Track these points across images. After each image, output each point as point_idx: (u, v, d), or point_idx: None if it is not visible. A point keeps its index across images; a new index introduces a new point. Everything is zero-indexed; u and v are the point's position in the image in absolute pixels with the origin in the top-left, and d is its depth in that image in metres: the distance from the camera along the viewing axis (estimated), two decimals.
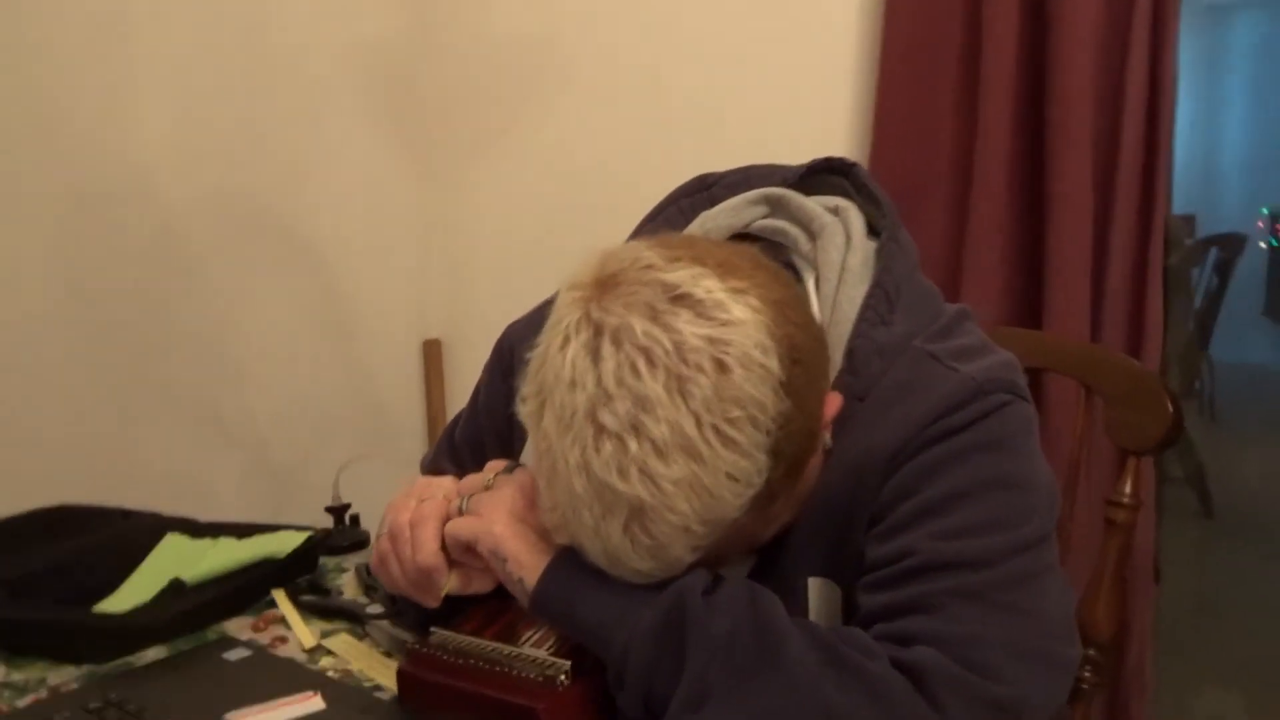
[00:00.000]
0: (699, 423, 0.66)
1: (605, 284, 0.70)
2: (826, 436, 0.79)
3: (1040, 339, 1.39)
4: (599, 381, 0.67)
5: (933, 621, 0.73)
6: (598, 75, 1.93)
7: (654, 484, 0.67)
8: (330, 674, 0.93)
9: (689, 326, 0.67)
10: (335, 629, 1.02)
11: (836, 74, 1.80)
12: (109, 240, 1.63)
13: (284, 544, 1.14)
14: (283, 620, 1.04)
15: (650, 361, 0.67)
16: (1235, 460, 4.37)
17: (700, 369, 0.66)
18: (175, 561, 1.12)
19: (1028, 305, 1.62)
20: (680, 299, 0.68)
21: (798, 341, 0.71)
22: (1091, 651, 1.15)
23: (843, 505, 0.80)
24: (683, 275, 0.69)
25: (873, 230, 0.87)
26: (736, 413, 0.67)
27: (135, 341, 1.68)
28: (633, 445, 0.66)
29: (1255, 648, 2.79)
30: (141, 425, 1.70)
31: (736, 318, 0.68)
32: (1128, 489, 1.15)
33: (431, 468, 1.05)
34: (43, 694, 0.91)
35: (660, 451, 0.66)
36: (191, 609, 1.04)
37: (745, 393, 0.67)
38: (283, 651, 0.98)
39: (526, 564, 0.77)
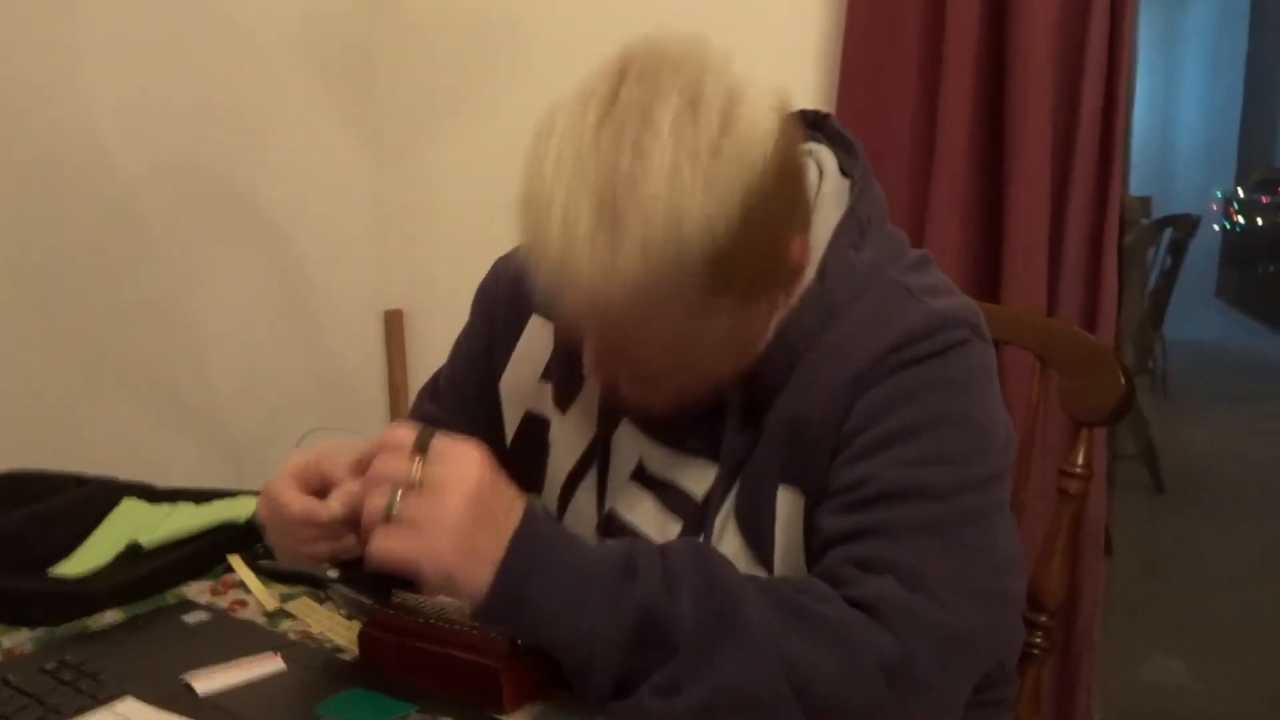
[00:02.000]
0: (696, 141, 0.71)
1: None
2: (784, 302, 0.83)
3: (998, 312, 1.40)
4: (611, 103, 0.72)
5: (890, 548, 0.76)
6: (555, 47, 1.93)
7: (635, 175, 0.70)
8: (291, 636, 0.93)
9: (711, 83, 0.73)
10: (295, 593, 1.02)
11: (799, 53, 1.80)
12: (62, 211, 1.60)
13: (243, 509, 1.14)
14: (242, 584, 1.04)
15: (676, 69, 0.73)
16: (1186, 435, 4.46)
17: (715, 94, 0.73)
18: (132, 526, 1.11)
19: (987, 279, 1.65)
20: (709, 73, 0.74)
21: (794, 155, 0.78)
22: (1043, 618, 1.17)
23: (811, 421, 0.83)
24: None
25: (845, 175, 0.90)
26: (727, 154, 0.71)
27: (90, 314, 1.66)
28: (627, 155, 0.70)
29: (1200, 614, 2.87)
30: (98, 398, 1.68)
31: (753, 97, 0.75)
32: (1080, 459, 1.18)
33: (415, 411, 1.08)
34: None
35: (646, 166, 0.70)
36: (149, 573, 1.03)
37: (742, 141, 0.72)
38: (242, 615, 0.98)
39: (476, 584, 0.72)
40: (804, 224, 0.84)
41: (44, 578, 1.03)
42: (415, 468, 0.72)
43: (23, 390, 1.57)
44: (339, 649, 0.90)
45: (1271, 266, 7.20)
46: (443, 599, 0.85)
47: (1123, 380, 1.15)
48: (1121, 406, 1.16)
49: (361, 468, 0.77)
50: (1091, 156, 1.58)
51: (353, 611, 0.97)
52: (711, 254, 0.72)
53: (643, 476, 0.92)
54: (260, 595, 1.01)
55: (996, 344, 1.21)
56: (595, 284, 0.72)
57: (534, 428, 0.99)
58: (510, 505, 0.74)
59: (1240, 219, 7.29)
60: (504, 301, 1.00)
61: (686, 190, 0.70)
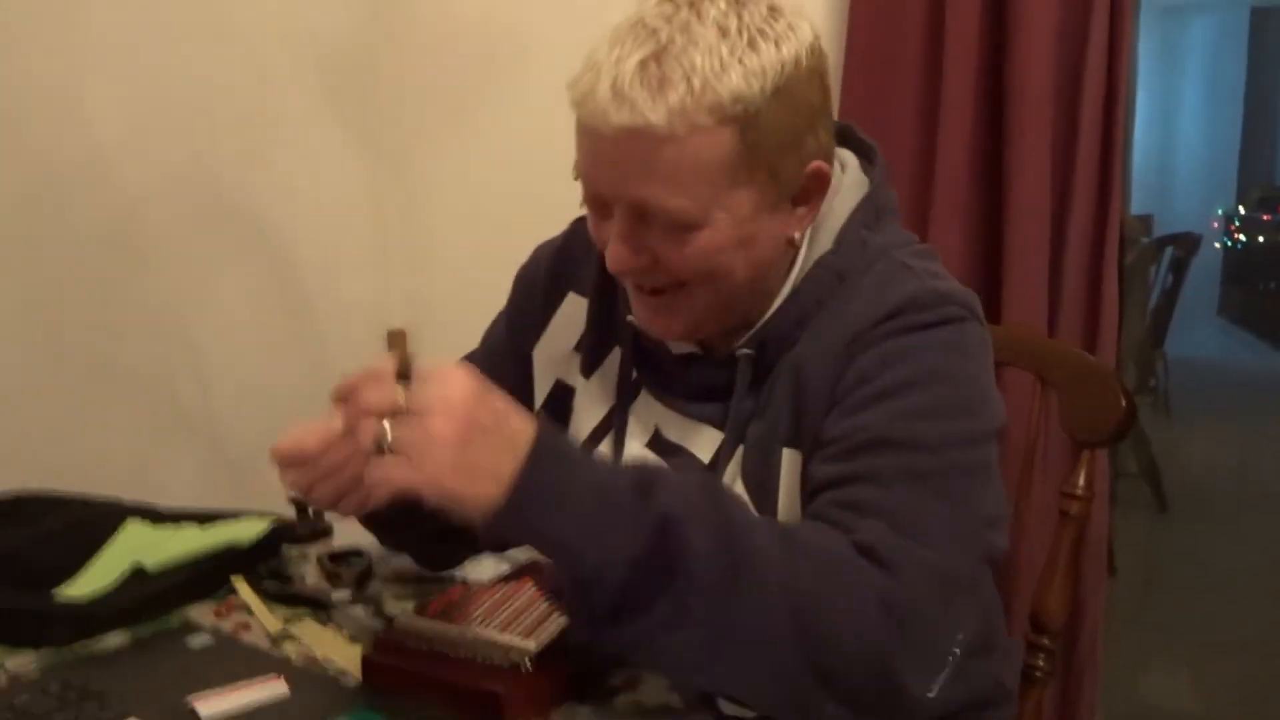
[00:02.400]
0: (741, 20, 0.81)
1: None
2: (795, 234, 0.88)
3: (998, 332, 1.40)
4: None
5: (878, 493, 0.78)
6: (557, 61, 1.91)
7: (686, 34, 0.80)
8: (294, 660, 0.93)
9: None
10: (298, 615, 1.02)
11: None
12: (64, 226, 1.61)
13: (246, 531, 1.14)
14: (246, 607, 1.04)
15: None
16: (1189, 453, 4.46)
17: (758, 7, 0.82)
18: (137, 548, 1.11)
19: (987, 299, 1.65)
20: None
21: (823, 70, 0.86)
22: (1045, 640, 1.17)
23: (811, 381, 0.86)
24: None
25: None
26: (770, 33, 0.81)
27: (92, 329, 1.66)
28: (685, 10, 0.81)
29: (1204, 632, 2.86)
30: (99, 413, 1.68)
31: (799, 9, 0.85)
32: (1081, 481, 1.18)
33: None
34: (1, 680, 0.90)
35: (702, 20, 0.80)
36: (153, 595, 1.03)
37: (783, 32, 0.82)
38: (246, 638, 0.98)
39: (482, 498, 0.71)
40: (827, 151, 0.89)
41: (48, 599, 1.03)
42: (400, 394, 0.72)
43: (23, 402, 1.58)
44: (342, 672, 0.91)
45: (1273, 284, 7.20)
46: (443, 624, 0.85)
47: (1123, 401, 1.15)
48: (1122, 427, 1.16)
49: (344, 399, 0.75)
50: (1091, 176, 1.59)
51: (357, 635, 0.97)
52: (744, 112, 0.80)
53: (658, 443, 0.96)
54: (263, 618, 1.01)
55: (997, 365, 1.21)
56: (639, 103, 0.78)
57: (562, 395, 1.03)
58: (507, 415, 0.72)
59: (1241, 237, 7.29)
60: (544, 277, 1.05)
61: (731, 51, 0.80)
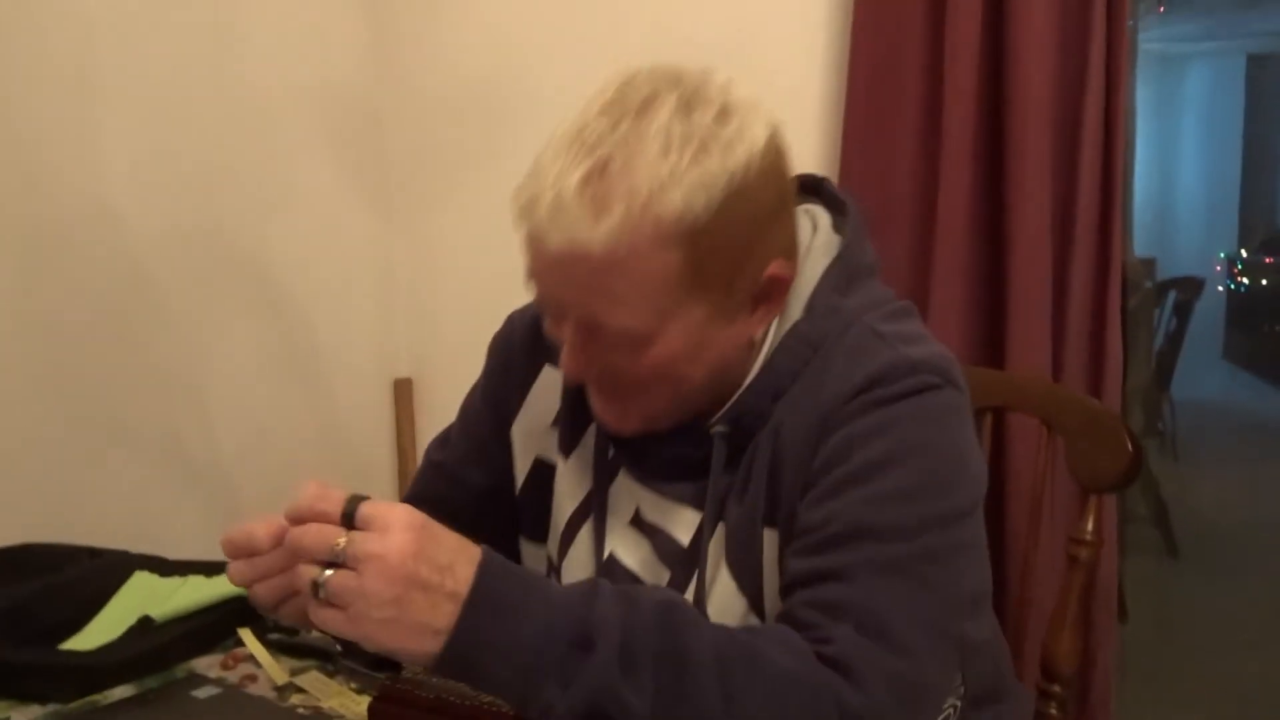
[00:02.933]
0: (688, 131, 0.78)
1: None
2: (755, 333, 0.86)
3: (1002, 378, 1.42)
4: (626, 85, 0.81)
5: (848, 591, 0.76)
6: (561, 115, 1.96)
7: (627, 149, 0.77)
8: (301, 711, 0.93)
9: (716, 86, 0.82)
10: (305, 666, 1.02)
11: (801, 120, 1.83)
12: (73, 276, 1.62)
13: None
14: (252, 658, 1.04)
15: (675, 82, 0.81)
16: (1197, 496, 4.43)
17: (710, 103, 0.80)
18: (144, 599, 1.11)
19: (991, 345, 1.65)
20: (717, 81, 0.83)
21: (780, 171, 0.84)
22: (1056, 687, 1.16)
23: (786, 463, 0.84)
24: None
25: (838, 234, 0.93)
26: (718, 142, 0.78)
27: (100, 379, 1.67)
28: (628, 121, 0.78)
29: (1217, 678, 2.82)
30: (106, 463, 1.68)
31: (754, 105, 0.82)
32: (1089, 527, 1.17)
33: (424, 463, 1.10)
34: None
35: (645, 132, 0.77)
36: (159, 646, 1.03)
37: (732, 137, 0.79)
38: (252, 689, 0.98)
39: (418, 653, 0.70)
40: (787, 249, 0.86)
41: (55, 654, 1.03)
42: (340, 539, 0.69)
43: (31, 453, 1.58)
44: None
45: (1278, 326, 7.20)
46: None
47: (1130, 446, 1.15)
48: (1129, 473, 1.16)
49: (292, 521, 0.72)
50: (1092, 222, 1.60)
51: (364, 685, 0.97)
52: (689, 229, 0.77)
53: (640, 523, 0.94)
54: (271, 669, 1.01)
55: (1001, 410, 1.21)
56: (579, 228, 0.76)
57: (543, 472, 1.01)
58: (450, 566, 0.70)
59: (1245, 279, 7.31)
60: (519, 350, 1.03)
61: (674, 167, 0.77)
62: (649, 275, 0.78)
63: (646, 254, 0.77)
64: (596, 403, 0.90)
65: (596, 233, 0.76)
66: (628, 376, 0.84)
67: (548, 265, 0.80)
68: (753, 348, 0.88)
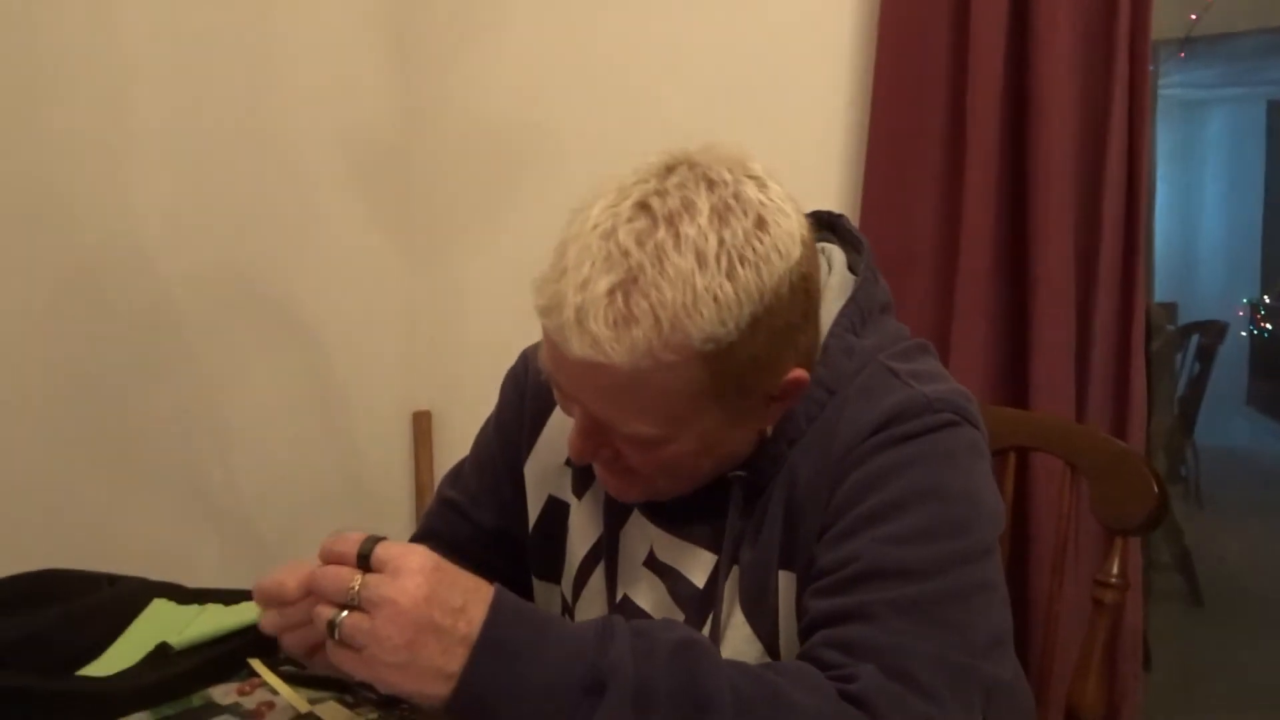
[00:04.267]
0: (721, 245, 0.75)
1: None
2: (768, 426, 0.85)
3: (1026, 418, 1.40)
4: (661, 182, 0.78)
5: (870, 631, 0.75)
6: (585, 157, 1.98)
7: (659, 263, 0.74)
8: None
9: (752, 188, 0.79)
10: (323, 697, 1.01)
11: (823, 162, 1.85)
12: (102, 313, 1.64)
13: None
14: (270, 686, 1.03)
15: (710, 187, 0.78)
16: (1222, 544, 4.37)
17: (745, 215, 0.77)
18: (162, 626, 1.11)
19: (1014, 388, 1.65)
20: (753, 178, 0.80)
21: (812, 286, 0.82)
22: None
23: (803, 504, 0.84)
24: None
25: (854, 271, 0.93)
26: (751, 257, 0.76)
27: (123, 414, 1.68)
28: (661, 230, 0.75)
29: None
30: (128, 498, 1.69)
31: (789, 213, 0.80)
32: (1115, 569, 1.16)
33: (436, 498, 1.10)
34: None
35: (679, 244, 0.75)
36: (176, 674, 1.02)
37: (765, 251, 0.77)
38: (269, 718, 0.97)
39: (430, 695, 0.71)
40: (806, 357, 0.85)
41: (72, 678, 1.02)
42: (355, 582, 0.70)
43: (54, 485, 1.59)
44: None
45: None
46: None
47: (1155, 487, 1.14)
48: (1156, 514, 1.15)
49: (323, 557, 0.74)
50: (1114, 264, 1.60)
51: (382, 716, 0.96)
52: (715, 347, 0.76)
53: (654, 563, 0.93)
54: (290, 698, 1.00)
55: (1025, 450, 1.20)
56: (602, 340, 0.74)
57: (556, 511, 1.00)
58: (462, 609, 0.70)
59: (1268, 325, 7.26)
60: (532, 387, 1.03)
61: (707, 284, 0.75)
62: (669, 389, 0.77)
63: (669, 370, 0.76)
64: (600, 472, 0.90)
65: (620, 346, 0.74)
66: (636, 467, 0.85)
67: (565, 367, 0.79)
68: (764, 437, 0.87)
